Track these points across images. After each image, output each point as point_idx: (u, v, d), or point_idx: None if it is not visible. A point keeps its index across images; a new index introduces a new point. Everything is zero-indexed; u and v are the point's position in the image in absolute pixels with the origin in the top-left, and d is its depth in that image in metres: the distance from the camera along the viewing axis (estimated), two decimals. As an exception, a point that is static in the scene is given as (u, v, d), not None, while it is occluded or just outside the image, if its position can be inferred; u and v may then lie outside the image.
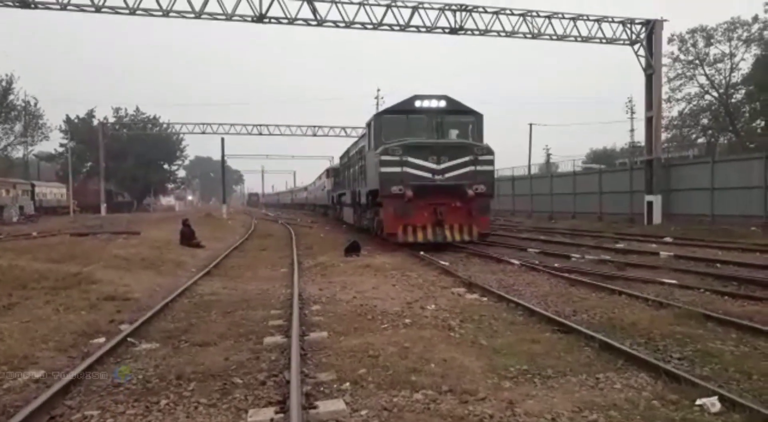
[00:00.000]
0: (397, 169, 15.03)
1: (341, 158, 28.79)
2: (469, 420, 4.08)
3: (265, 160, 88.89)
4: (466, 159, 15.35)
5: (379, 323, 7.16)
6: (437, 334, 6.47)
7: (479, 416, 4.12)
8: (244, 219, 44.49)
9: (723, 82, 41.27)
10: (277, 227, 32.69)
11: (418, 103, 16.04)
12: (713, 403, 4.13)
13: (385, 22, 24.51)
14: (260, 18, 23.58)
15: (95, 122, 63.35)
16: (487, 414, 4.15)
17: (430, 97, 16.22)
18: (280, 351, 5.99)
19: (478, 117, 16.55)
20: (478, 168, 15.42)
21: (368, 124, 17.62)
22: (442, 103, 16.11)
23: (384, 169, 15.11)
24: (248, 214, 56.43)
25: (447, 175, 15.23)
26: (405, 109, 16.19)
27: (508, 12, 25.50)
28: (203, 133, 51.16)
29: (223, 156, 47.80)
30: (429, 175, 15.18)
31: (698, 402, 4.21)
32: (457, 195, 15.18)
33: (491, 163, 15.86)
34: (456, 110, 16.37)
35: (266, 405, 4.45)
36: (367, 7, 24.30)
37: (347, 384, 4.88)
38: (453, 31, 25.06)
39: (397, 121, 16.26)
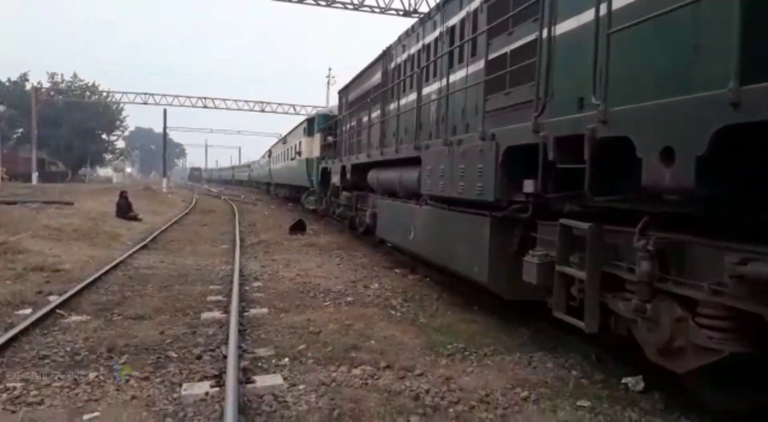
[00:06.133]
0: None
1: (349, 88, 15.52)
2: (405, 394, 4.13)
3: (210, 135, 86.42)
4: None
5: (321, 301, 7.14)
6: (378, 313, 6.51)
7: (416, 391, 4.18)
8: (186, 193, 43.32)
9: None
10: (220, 203, 32.00)
11: None
12: (638, 381, 4.34)
13: (338, 0, 24.26)
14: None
15: (28, 86, 59.86)
16: (424, 389, 4.22)
17: None
18: (218, 326, 5.88)
19: None
20: None
21: None
22: None
23: None
24: (190, 190, 54.97)
25: None
26: None
27: (462, -2, 25.69)
28: (145, 103, 49.39)
29: (165, 128, 46.41)
30: None
31: (624, 380, 4.41)
32: None
33: None
34: None
35: (201, 379, 4.36)
36: (321, -17, 23.99)
37: (286, 359, 4.84)
38: (407, 13, 25.04)
39: None
